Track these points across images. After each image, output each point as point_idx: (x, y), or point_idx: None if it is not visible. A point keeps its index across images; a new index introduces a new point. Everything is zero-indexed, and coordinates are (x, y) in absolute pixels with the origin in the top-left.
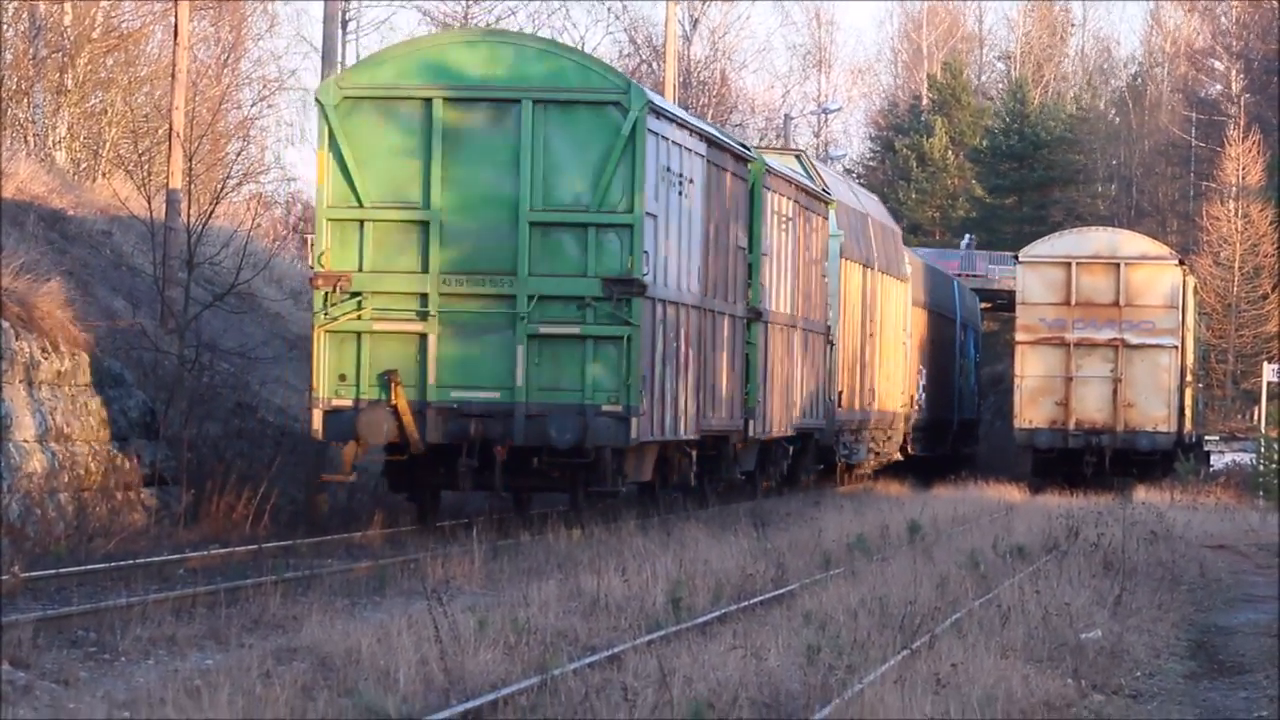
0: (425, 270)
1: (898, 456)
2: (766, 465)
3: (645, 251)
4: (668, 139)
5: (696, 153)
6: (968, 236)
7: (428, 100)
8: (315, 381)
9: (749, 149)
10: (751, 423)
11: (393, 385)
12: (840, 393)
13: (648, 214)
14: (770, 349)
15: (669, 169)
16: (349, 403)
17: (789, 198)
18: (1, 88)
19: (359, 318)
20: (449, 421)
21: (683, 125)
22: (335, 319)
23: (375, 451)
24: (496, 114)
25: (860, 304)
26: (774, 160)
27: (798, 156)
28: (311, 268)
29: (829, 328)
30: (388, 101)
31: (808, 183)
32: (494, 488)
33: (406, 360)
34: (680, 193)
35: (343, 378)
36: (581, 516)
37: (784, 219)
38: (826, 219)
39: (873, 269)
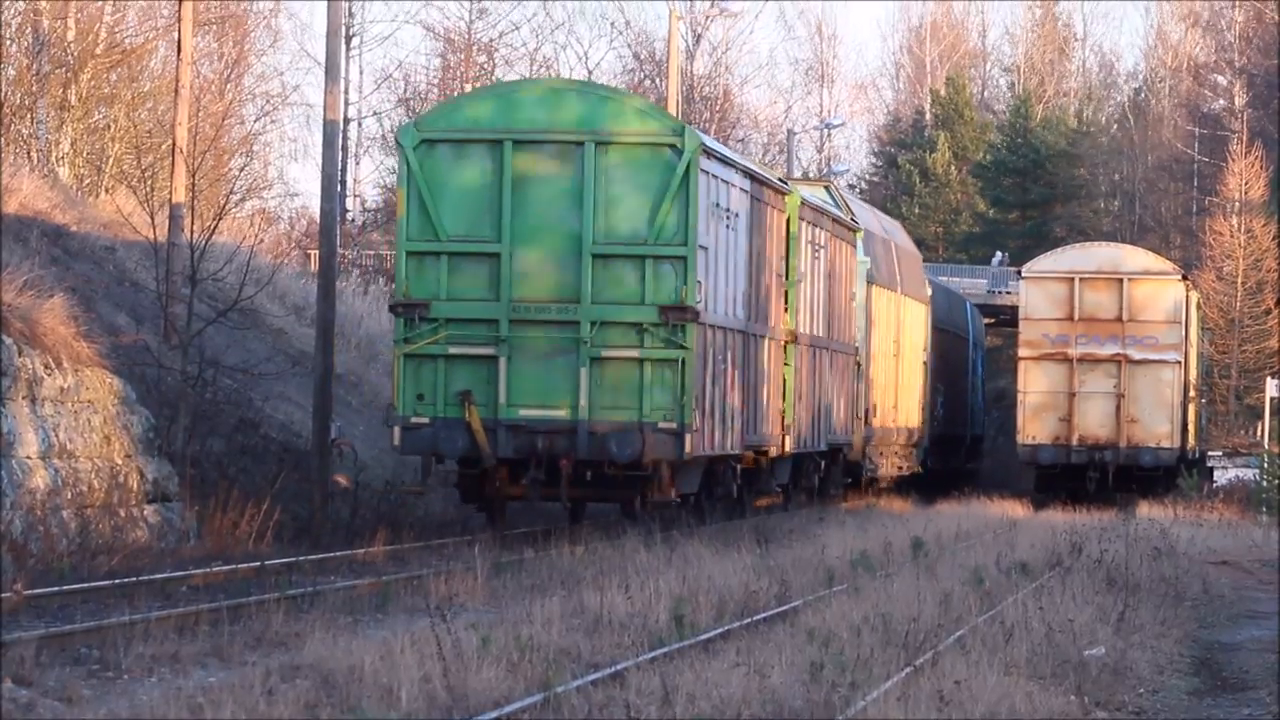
0: (497, 299)
1: (918, 469)
2: (799, 478)
3: (698, 281)
4: (717, 177)
5: (741, 188)
6: (999, 254)
7: (499, 143)
8: (395, 400)
9: (786, 183)
10: (788, 438)
11: (467, 404)
12: (867, 410)
13: (700, 246)
14: (805, 369)
15: (718, 204)
16: (426, 420)
17: (822, 228)
18: (4, 103)
19: (436, 342)
20: (518, 437)
21: (729, 164)
22: (414, 343)
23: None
24: (562, 155)
25: (885, 326)
26: (806, 192)
27: (826, 187)
28: (393, 296)
29: (857, 349)
30: (462, 144)
31: (838, 213)
32: (559, 499)
33: (479, 381)
34: (728, 226)
35: (420, 397)
36: (639, 526)
37: (817, 247)
38: (855, 246)
39: (896, 292)
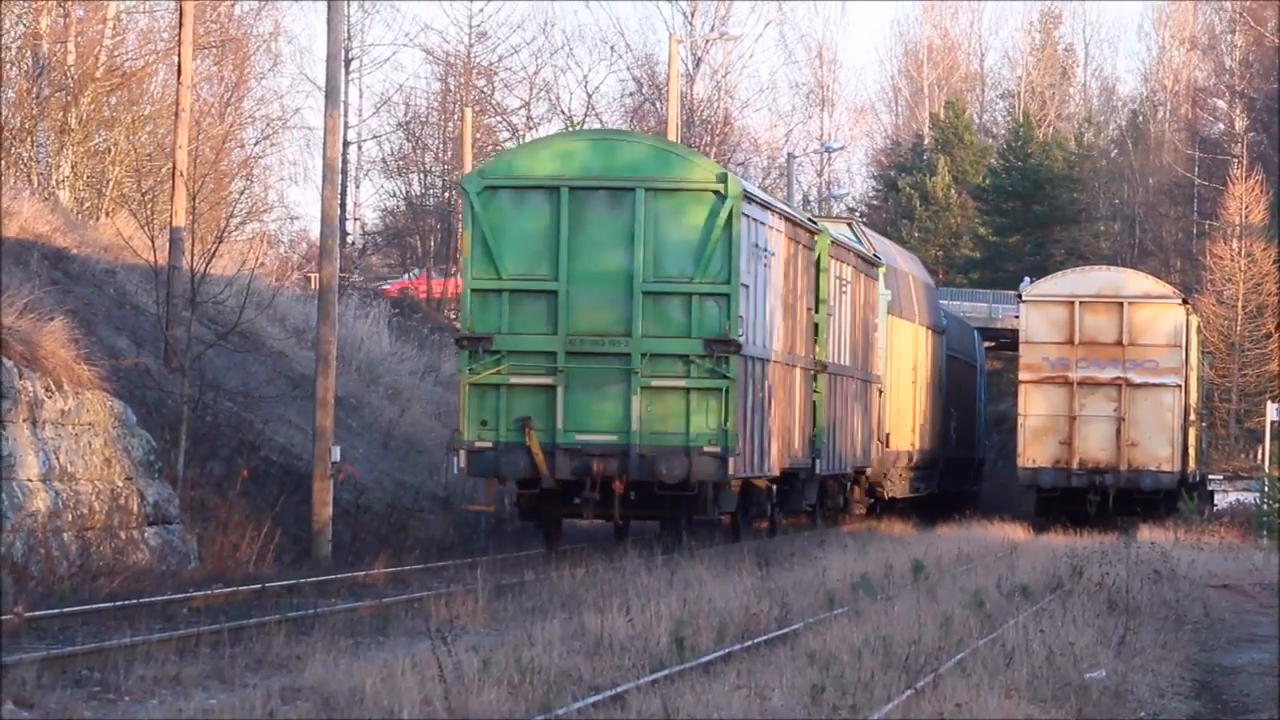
0: (554, 332)
1: (935, 491)
2: (824, 499)
3: (740, 316)
4: (756, 219)
5: (776, 229)
6: (1027, 279)
7: (556, 189)
8: (461, 426)
9: (816, 223)
10: (818, 461)
11: (527, 430)
12: (888, 434)
13: (741, 284)
14: (832, 397)
15: (757, 245)
16: (490, 444)
17: (847, 263)
18: (4, 127)
19: (499, 373)
20: (574, 460)
21: (767, 207)
22: (478, 373)
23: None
24: (613, 200)
25: (904, 354)
26: (833, 230)
27: (849, 224)
28: (459, 330)
29: (879, 377)
30: (522, 190)
31: (861, 248)
32: (612, 517)
33: (538, 408)
34: (765, 264)
35: (484, 423)
36: (682, 541)
37: (843, 282)
38: (877, 280)
39: (914, 323)
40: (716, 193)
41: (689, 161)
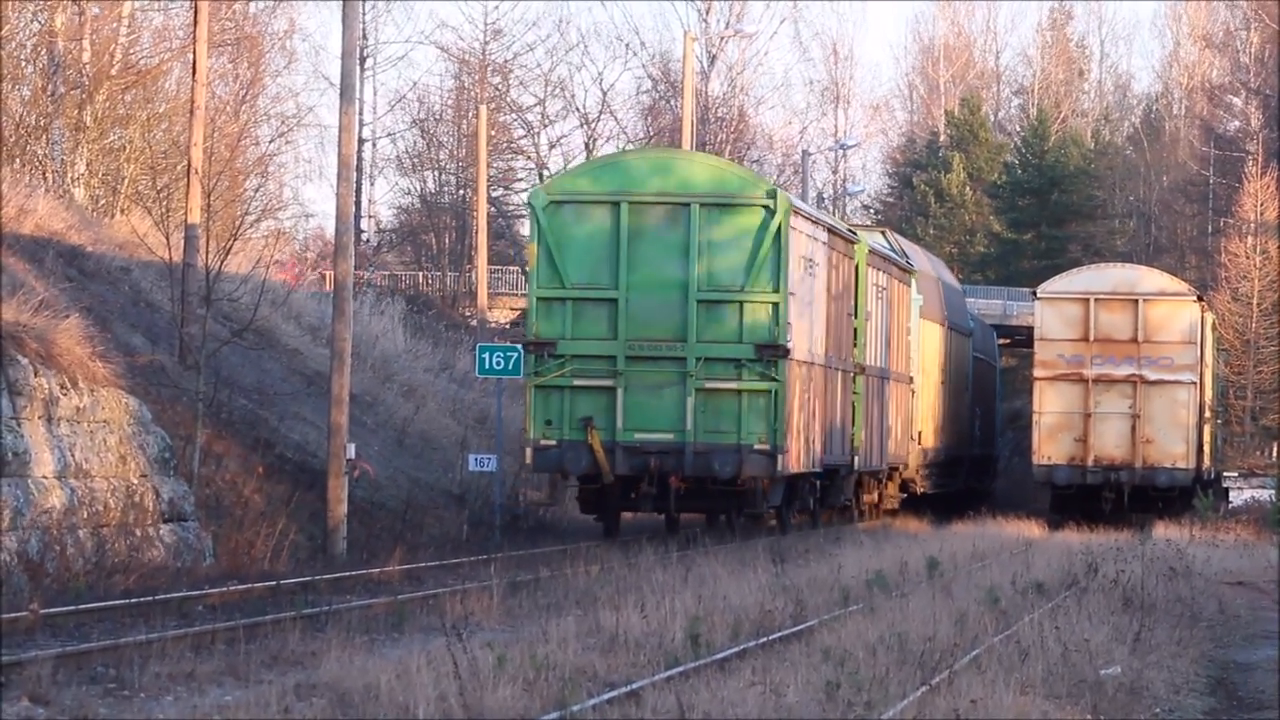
0: (615, 338)
1: (961, 487)
2: (860, 494)
3: (788, 322)
4: (802, 232)
5: (820, 240)
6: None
7: (616, 204)
8: (528, 425)
9: (854, 233)
10: (856, 458)
11: (589, 429)
12: (919, 432)
13: (790, 292)
14: (870, 397)
15: (804, 256)
16: (554, 442)
17: (883, 271)
18: (20, 124)
19: (563, 375)
20: (633, 457)
21: (812, 220)
22: (544, 376)
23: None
24: (670, 214)
25: (934, 356)
26: (870, 238)
27: (883, 233)
28: (525, 336)
29: (912, 378)
30: (584, 205)
31: (894, 255)
32: (669, 510)
33: (600, 408)
34: (810, 273)
35: (549, 422)
36: (734, 533)
37: (880, 289)
38: (909, 286)
39: (944, 326)
40: (766, 208)
41: (741, 178)
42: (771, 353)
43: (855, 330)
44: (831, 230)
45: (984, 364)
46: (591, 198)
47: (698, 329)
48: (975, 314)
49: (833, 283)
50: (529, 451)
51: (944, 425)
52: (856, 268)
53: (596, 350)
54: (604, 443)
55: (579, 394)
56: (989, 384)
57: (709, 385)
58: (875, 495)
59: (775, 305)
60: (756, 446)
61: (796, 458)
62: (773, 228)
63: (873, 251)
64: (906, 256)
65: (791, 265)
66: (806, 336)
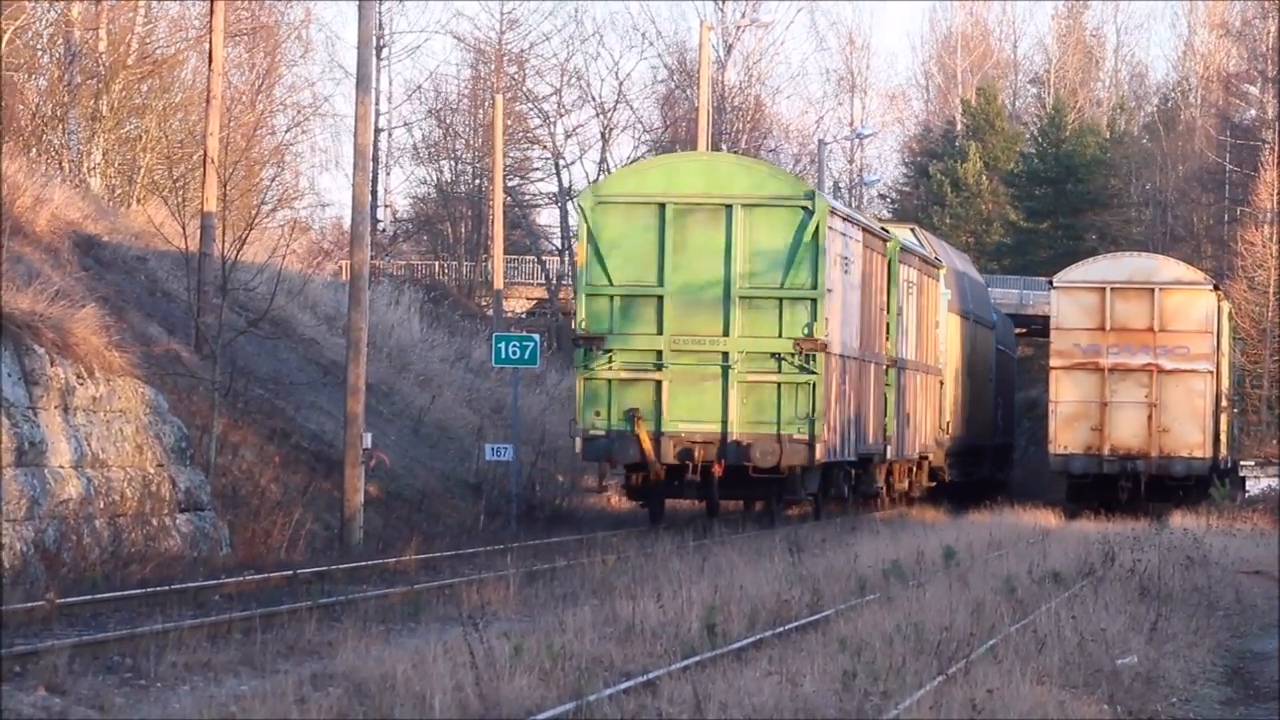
0: (660, 333)
1: (986, 476)
2: (891, 481)
3: (825, 318)
4: (838, 231)
5: (855, 239)
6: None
7: (661, 205)
8: (578, 416)
9: (887, 231)
10: (889, 447)
11: (636, 419)
12: (948, 422)
13: (827, 290)
14: (902, 389)
15: (840, 254)
16: (602, 432)
17: (913, 267)
18: (28, 115)
19: (610, 368)
20: (677, 446)
21: (848, 220)
22: (592, 369)
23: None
24: (712, 215)
25: (961, 349)
26: (901, 235)
27: (912, 229)
28: (574, 331)
29: (941, 370)
30: (631, 206)
31: (924, 252)
32: (712, 497)
33: (646, 400)
34: (846, 271)
35: (597, 413)
36: (774, 519)
37: (910, 284)
38: (938, 281)
39: (969, 320)
40: (805, 208)
41: (781, 180)
42: (810, 347)
43: (888, 325)
44: (866, 229)
45: (1006, 356)
46: (638, 199)
47: (739, 325)
48: (995, 306)
49: (867, 279)
50: (579, 441)
51: (971, 415)
52: (889, 264)
53: (642, 345)
54: (650, 433)
55: (626, 386)
56: (1008, 375)
57: (750, 378)
58: (906, 483)
59: (813, 302)
60: (795, 436)
61: (833, 447)
62: (811, 228)
63: (904, 248)
64: (935, 252)
65: (828, 263)
66: (842, 331)
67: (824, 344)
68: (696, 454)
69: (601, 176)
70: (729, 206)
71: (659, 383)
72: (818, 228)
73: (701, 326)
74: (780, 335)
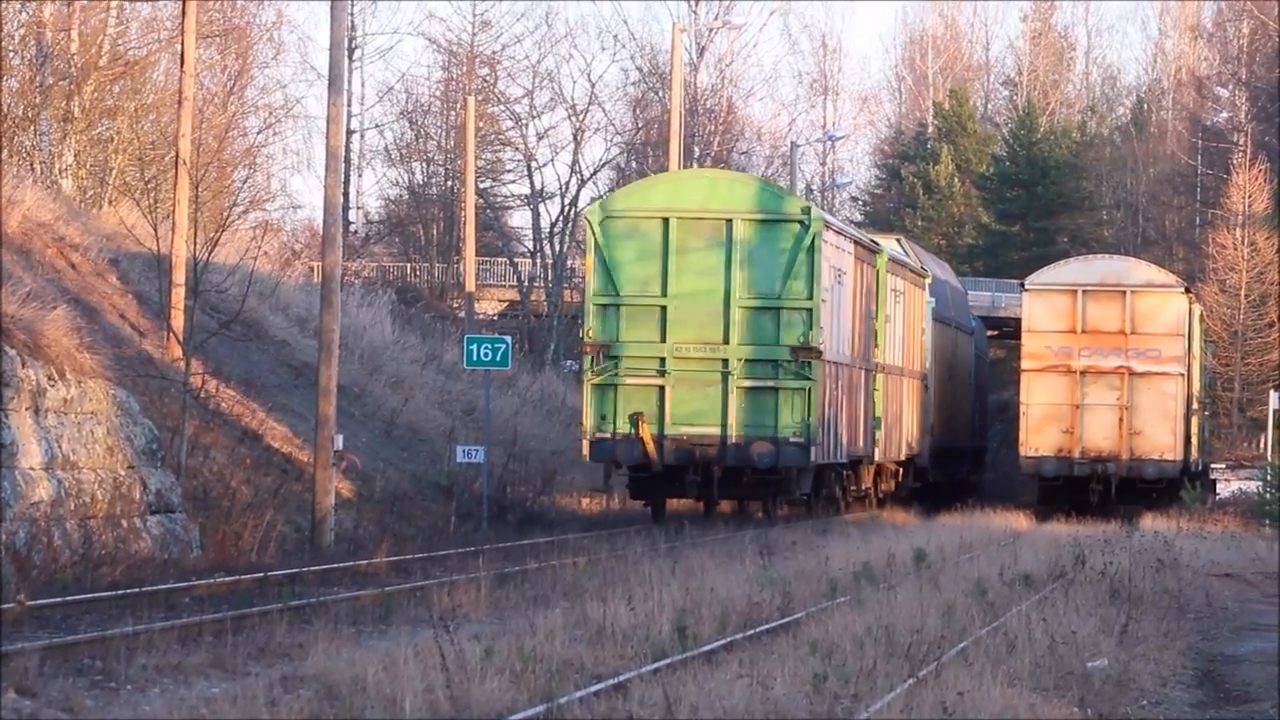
0: (663, 340)
1: (966, 477)
2: (879, 482)
3: (820, 327)
4: (832, 244)
5: (847, 251)
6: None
7: (665, 219)
8: (584, 420)
9: (877, 244)
10: (877, 450)
11: (640, 423)
12: (933, 425)
13: (821, 300)
14: (889, 393)
15: (834, 266)
16: (608, 435)
17: (900, 277)
18: (7, 116)
19: (615, 374)
20: (679, 449)
21: (841, 233)
22: (599, 375)
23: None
24: (713, 229)
25: (944, 355)
26: (888, 246)
27: (898, 240)
28: (581, 339)
29: (926, 375)
30: (636, 220)
31: (910, 262)
32: (712, 497)
33: (649, 404)
34: (840, 282)
35: (603, 417)
36: (772, 519)
37: (898, 294)
38: (924, 290)
39: (951, 326)
40: (802, 223)
41: (779, 196)
42: (805, 355)
43: (876, 332)
44: (857, 242)
45: (983, 361)
46: (643, 214)
47: (738, 333)
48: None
49: (858, 289)
50: (585, 443)
51: (953, 418)
52: (878, 274)
53: (647, 352)
54: (653, 436)
55: (630, 391)
56: (985, 378)
57: (748, 384)
58: (892, 484)
59: (809, 311)
60: (791, 439)
61: (827, 449)
62: (807, 241)
63: (892, 259)
64: (920, 262)
65: (823, 275)
66: (835, 339)
67: (819, 351)
68: (697, 455)
69: (606, 193)
70: (729, 221)
71: (662, 388)
72: (813, 241)
73: (703, 334)
74: (778, 343)
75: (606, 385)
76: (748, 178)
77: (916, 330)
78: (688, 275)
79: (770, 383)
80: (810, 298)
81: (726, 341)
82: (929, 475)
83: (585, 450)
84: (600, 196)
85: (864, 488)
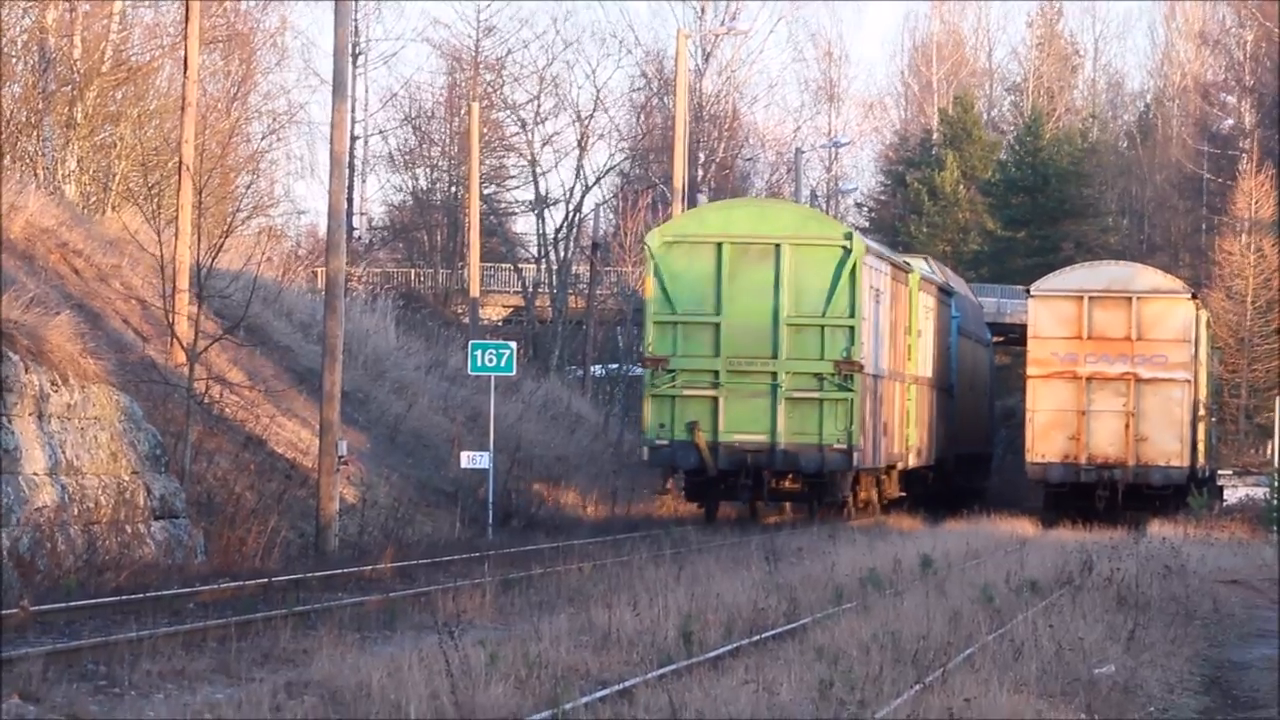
0: (717, 355)
1: (981, 481)
2: (912, 487)
3: (861, 343)
4: (872, 267)
5: (885, 273)
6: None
7: (719, 244)
8: (646, 428)
9: (910, 265)
10: (910, 456)
11: (695, 431)
12: (956, 433)
13: (862, 318)
14: (921, 403)
15: (872, 287)
16: (666, 442)
17: (930, 294)
18: (10, 121)
19: (673, 386)
20: (732, 455)
21: (880, 257)
22: (658, 387)
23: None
24: (763, 253)
25: (967, 366)
26: (918, 265)
27: (926, 259)
28: (642, 353)
29: (952, 385)
30: (693, 245)
31: (938, 279)
32: (763, 499)
33: (704, 414)
34: (877, 301)
35: (662, 425)
36: (814, 520)
37: (928, 310)
38: (949, 306)
39: (970, 339)
40: (844, 248)
41: (823, 223)
42: (848, 368)
43: (909, 346)
44: (893, 263)
45: (996, 371)
46: (698, 239)
47: (786, 348)
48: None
49: (894, 307)
50: (645, 450)
51: (973, 426)
52: (910, 293)
53: (702, 365)
54: (708, 443)
55: (687, 402)
56: (1000, 388)
57: (795, 395)
58: (921, 487)
59: (851, 329)
60: (835, 446)
61: (867, 455)
62: (849, 265)
63: (924, 279)
64: (947, 280)
65: (863, 295)
66: (874, 353)
67: (860, 365)
68: (748, 461)
69: (663, 220)
70: (778, 246)
71: (715, 399)
72: (855, 264)
73: (753, 349)
74: (822, 358)
75: (665, 396)
76: (795, 206)
77: (944, 344)
78: (740, 295)
79: (815, 394)
80: (852, 316)
81: (775, 356)
82: (954, 479)
83: (645, 456)
84: (657, 223)
85: (899, 492)
